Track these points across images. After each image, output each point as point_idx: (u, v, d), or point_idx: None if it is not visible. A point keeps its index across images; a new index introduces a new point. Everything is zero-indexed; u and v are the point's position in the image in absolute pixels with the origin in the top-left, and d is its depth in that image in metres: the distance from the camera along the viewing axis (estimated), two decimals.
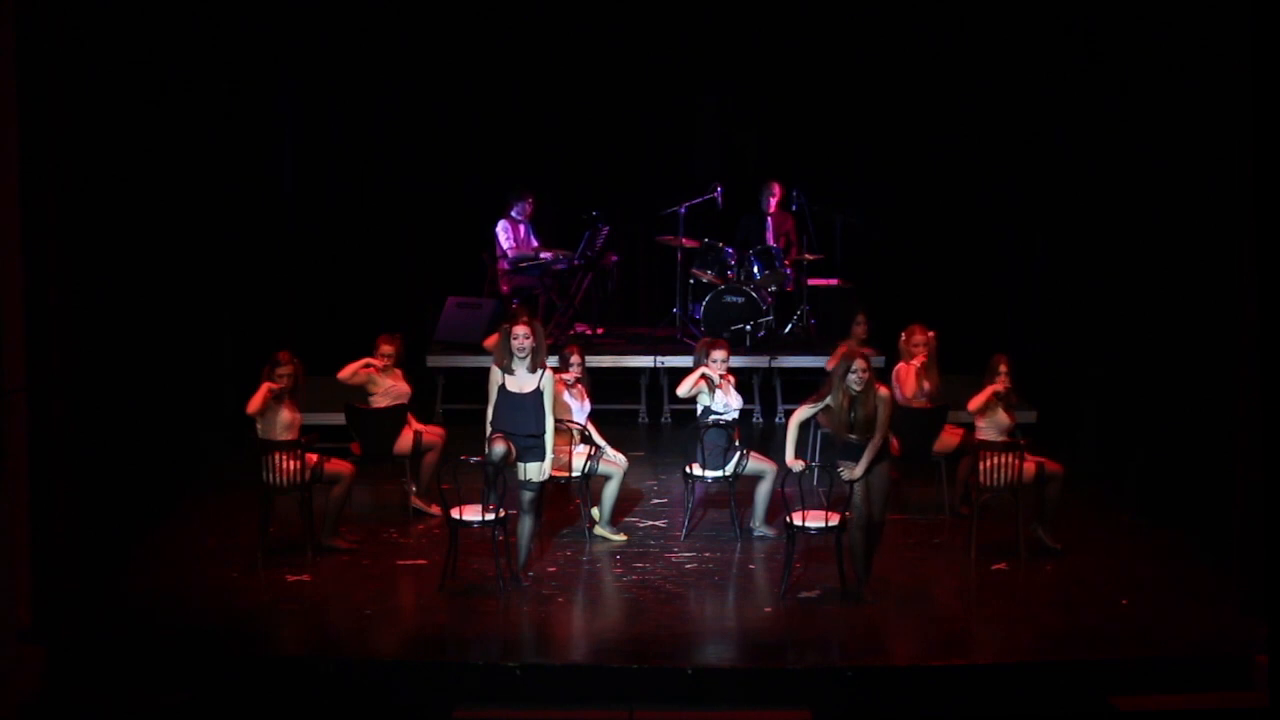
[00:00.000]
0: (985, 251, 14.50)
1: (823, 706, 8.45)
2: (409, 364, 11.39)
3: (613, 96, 15.29)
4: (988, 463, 10.10)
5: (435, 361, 13.92)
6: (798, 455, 9.57)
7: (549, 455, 9.67)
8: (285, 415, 10.12)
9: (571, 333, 14.37)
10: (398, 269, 15.10)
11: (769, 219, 14.78)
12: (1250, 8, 9.04)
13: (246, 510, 10.62)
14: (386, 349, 10.97)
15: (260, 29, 13.44)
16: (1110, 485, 11.80)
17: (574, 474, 10.51)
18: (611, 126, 15.37)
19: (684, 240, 14.39)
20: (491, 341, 9.94)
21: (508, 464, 9.59)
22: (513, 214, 14.53)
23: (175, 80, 11.91)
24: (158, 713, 8.55)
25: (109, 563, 9.92)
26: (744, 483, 10.68)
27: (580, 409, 10.71)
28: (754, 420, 13.89)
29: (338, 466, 10.37)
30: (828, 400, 9.38)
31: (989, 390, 10.21)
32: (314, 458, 10.22)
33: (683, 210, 14.41)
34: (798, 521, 9.62)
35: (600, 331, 14.66)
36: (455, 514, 9.67)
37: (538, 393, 9.61)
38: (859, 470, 9.34)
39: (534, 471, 9.65)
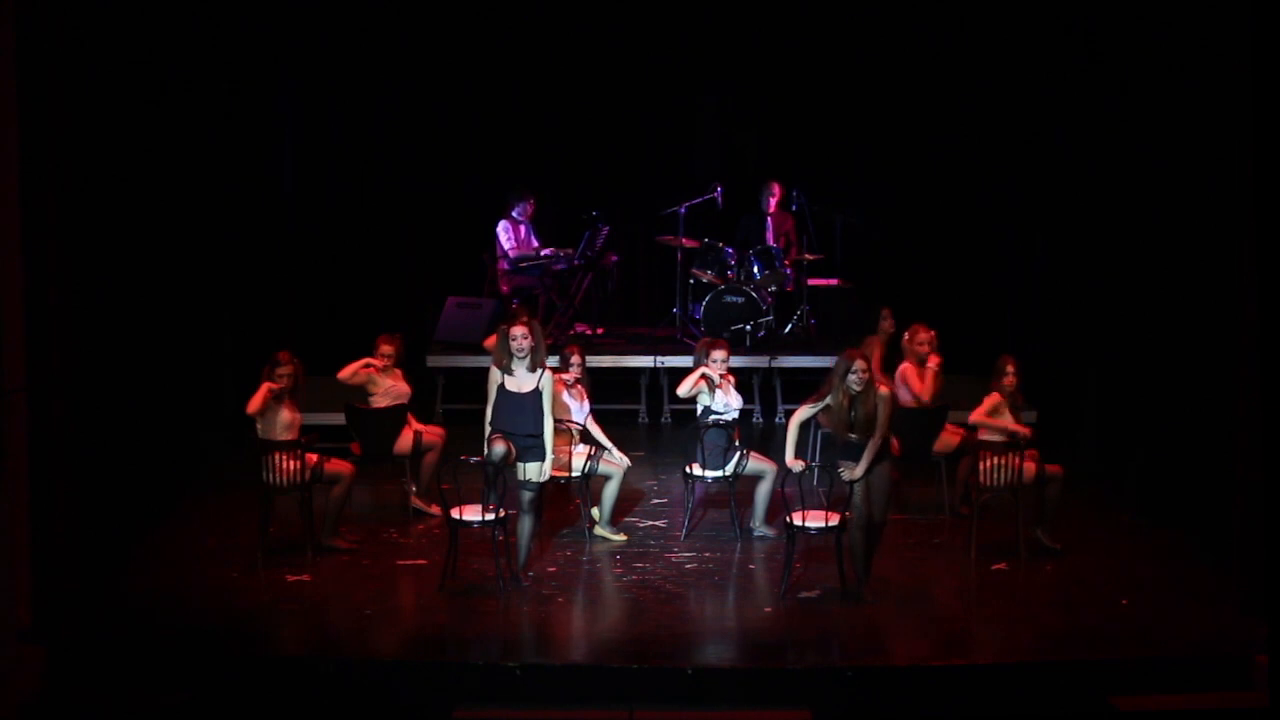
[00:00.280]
0: (985, 251, 14.50)
1: (823, 706, 8.45)
2: (409, 364, 11.40)
3: (613, 96, 15.29)
4: (988, 463, 10.10)
5: (435, 361, 13.92)
6: (798, 455, 9.57)
7: (549, 455, 9.67)
8: (285, 415, 10.12)
9: (571, 333, 14.37)
10: (398, 269, 15.11)
11: (769, 219, 14.79)
12: (1250, 8, 9.04)
13: (246, 510, 10.62)
14: (386, 349, 10.97)
15: (260, 29, 13.44)
16: (1110, 485, 11.80)
17: (574, 474, 10.51)
18: (611, 126, 15.37)
19: (684, 240, 14.39)
20: (491, 342, 9.94)
21: (507, 464, 9.59)
22: (514, 214, 14.54)
23: (175, 80, 11.91)
24: (158, 713, 8.55)
25: (109, 563, 9.92)
26: (744, 483, 10.68)
27: (580, 409, 10.71)
28: (754, 420, 13.89)
29: (338, 466, 10.37)
30: (828, 400, 9.38)
31: (988, 403, 10.19)
32: (314, 458, 10.22)
33: (683, 210, 14.41)
34: (798, 521, 9.62)
35: (600, 331, 14.66)
36: (455, 514, 9.68)
37: (537, 393, 9.61)
38: (859, 470, 9.34)
39: (533, 471, 9.65)
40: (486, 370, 9.81)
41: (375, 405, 11.00)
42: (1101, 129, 12.28)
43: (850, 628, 9.15)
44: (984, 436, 10.28)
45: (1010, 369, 10.27)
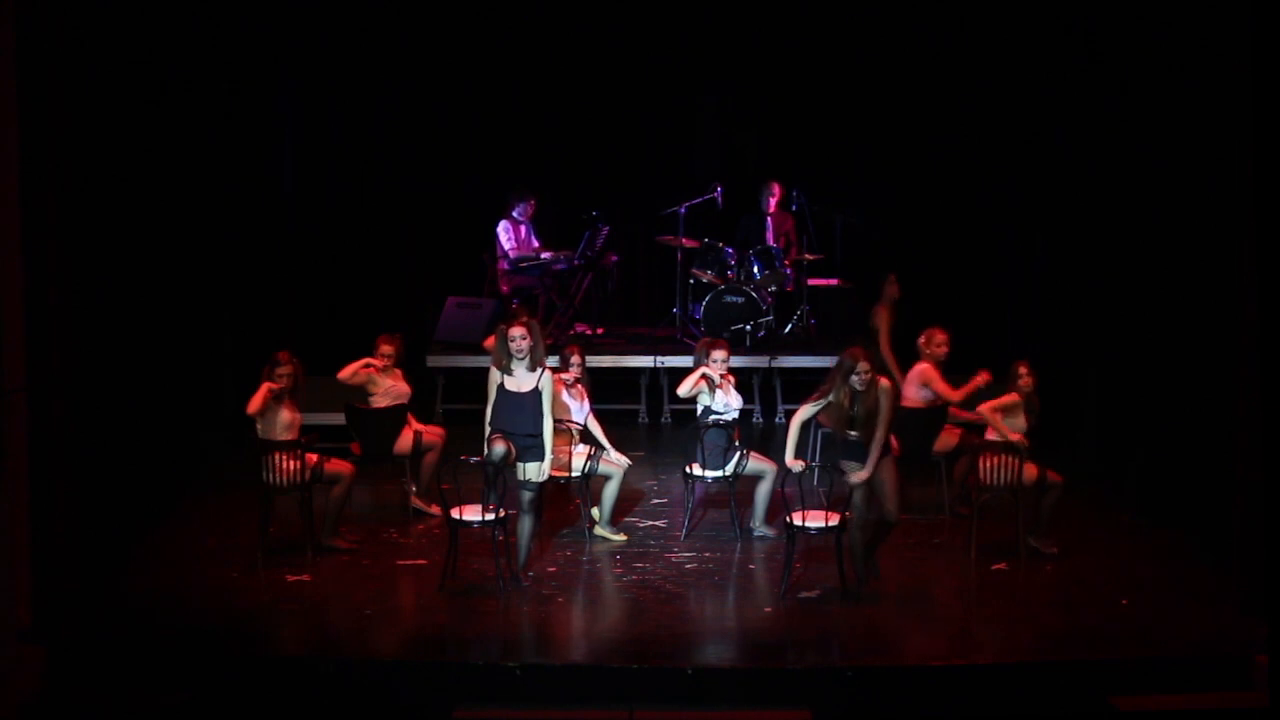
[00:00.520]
0: (985, 251, 14.50)
1: (823, 706, 8.45)
2: (409, 364, 11.40)
3: (613, 96, 15.29)
4: (989, 462, 10.09)
5: (435, 361, 13.92)
6: (798, 455, 9.56)
7: (548, 455, 9.67)
8: (285, 415, 10.12)
9: (571, 333, 14.37)
10: (398, 269, 15.10)
11: (769, 219, 14.79)
12: (1250, 8, 9.04)
13: (246, 510, 10.62)
14: (386, 349, 10.97)
15: (260, 29, 13.43)
16: (1110, 485, 11.80)
17: (574, 474, 10.51)
18: (611, 126, 15.38)
19: (684, 240, 14.40)
20: (491, 342, 9.94)
21: (507, 464, 9.59)
22: (514, 214, 14.53)
23: (175, 80, 11.91)
24: (158, 713, 8.55)
25: (109, 563, 9.92)
26: (744, 483, 10.68)
27: (580, 409, 10.71)
28: (754, 420, 13.89)
29: (338, 466, 10.37)
30: (830, 398, 9.36)
31: (1004, 400, 10.16)
32: (314, 458, 10.22)
33: (683, 210, 14.42)
34: (798, 521, 9.62)
35: (600, 331, 14.66)
36: (455, 514, 9.67)
37: (536, 392, 9.61)
38: (866, 472, 9.33)
39: (533, 471, 9.65)
40: (486, 370, 9.81)
41: (375, 405, 11.00)
42: (1101, 129, 12.27)
43: (850, 628, 9.15)
44: (989, 435, 10.23)
45: (1023, 371, 10.22)
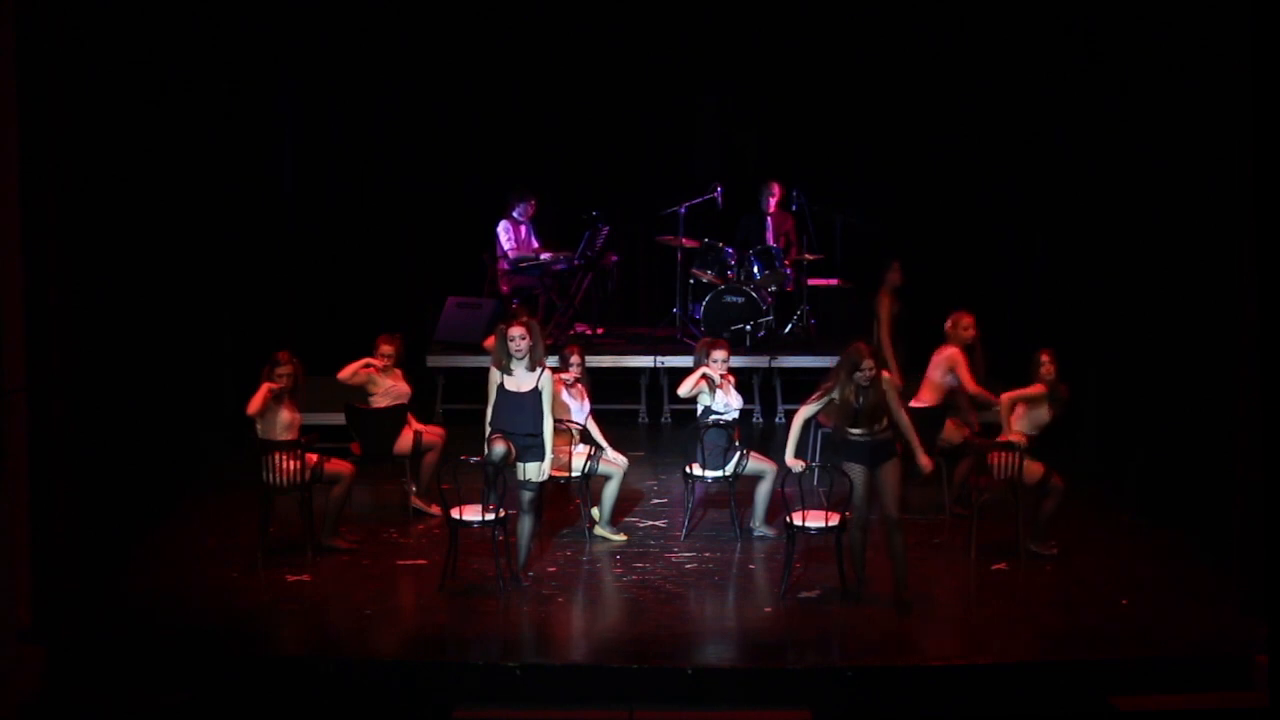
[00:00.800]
0: (985, 251, 14.50)
1: (823, 706, 8.45)
2: (409, 364, 11.40)
3: (613, 96, 15.29)
4: (1000, 460, 10.05)
5: (435, 361, 13.92)
6: (798, 455, 9.56)
7: (548, 455, 9.67)
8: (285, 415, 10.12)
9: (571, 333, 14.37)
10: (398, 269, 15.10)
11: (769, 219, 14.79)
12: (1250, 8, 9.04)
13: (246, 510, 10.62)
14: (386, 349, 10.97)
15: (260, 29, 13.44)
16: (1110, 485, 11.80)
17: (574, 474, 10.51)
18: (611, 126, 15.38)
19: (684, 240, 14.40)
20: (491, 342, 9.94)
21: (508, 464, 9.59)
22: (514, 214, 14.53)
23: (175, 80, 11.91)
24: (158, 713, 8.55)
25: (109, 563, 9.92)
26: (744, 483, 10.68)
27: (580, 409, 10.70)
28: (754, 420, 13.89)
29: (338, 466, 10.37)
30: (833, 395, 9.32)
31: (1030, 390, 10.11)
32: (314, 458, 10.22)
33: (683, 210, 14.42)
34: (798, 521, 9.62)
35: (600, 331, 14.66)
36: (455, 514, 9.68)
37: (536, 392, 9.61)
38: (925, 459, 9.34)
39: (533, 471, 9.65)
40: (486, 370, 9.82)
41: (375, 405, 11.00)
42: (1101, 129, 12.28)
43: (850, 628, 9.15)
44: (1017, 428, 10.13)
45: (1045, 359, 10.12)
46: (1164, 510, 10.97)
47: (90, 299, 9.88)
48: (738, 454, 10.52)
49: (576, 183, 15.30)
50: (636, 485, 11.74)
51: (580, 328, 14.63)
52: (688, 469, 10.71)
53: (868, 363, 9.22)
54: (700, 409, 10.59)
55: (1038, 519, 10.19)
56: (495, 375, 9.69)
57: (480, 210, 14.76)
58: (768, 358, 13.93)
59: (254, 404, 9.98)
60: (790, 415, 13.80)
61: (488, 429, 9.68)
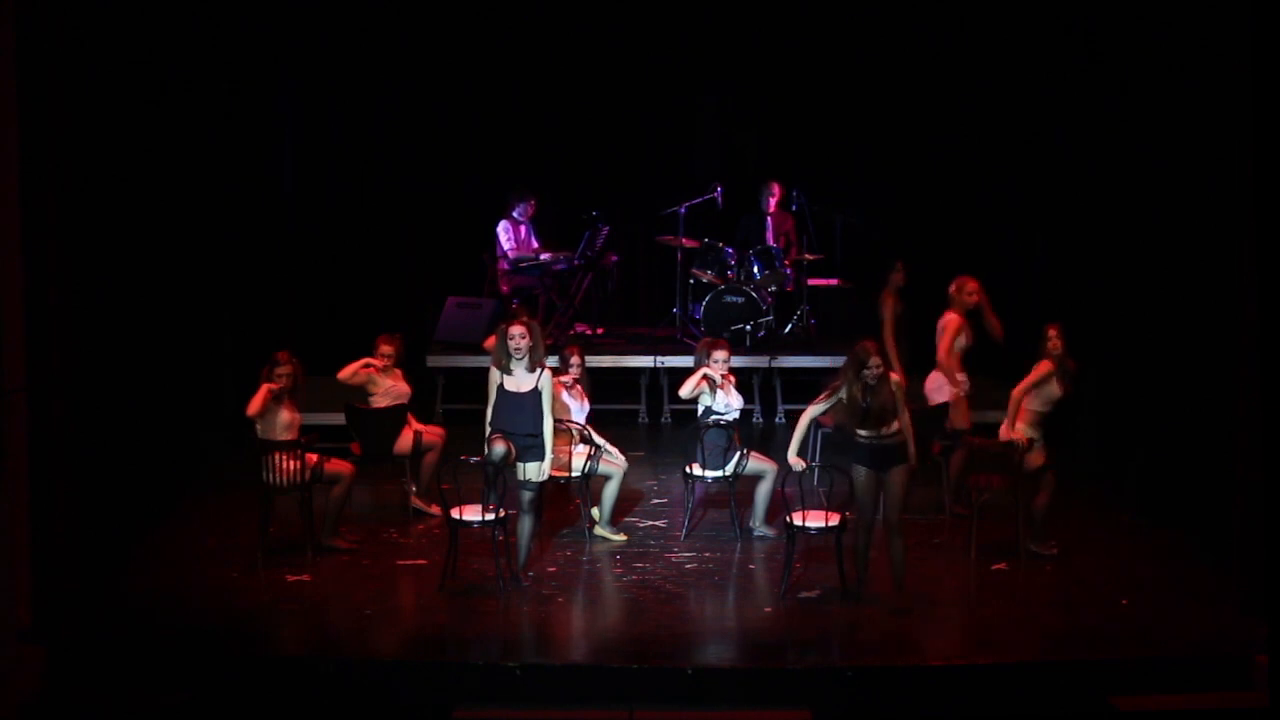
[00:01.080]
0: (985, 251, 14.49)
1: (823, 706, 8.45)
2: (409, 364, 11.39)
3: (613, 96, 15.29)
4: (984, 481, 10.10)
5: (435, 361, 13.92)
6: (800, 455, 9.54)
7: (548, 455, 9.67)
8: (285, 415, 10.12)
9: (571, 333, 14.37)
10: (398, 269, 15.11)
11: (769, 219, 14.79)
12: (1250, 8, 9.04)
13: (246, 510, 10.62)
14: (386, 349, 10.97)
15: (260, 29, 13.44)
16: (1110, 485, 11.80)
17: (574, 474, 10.51)
18: (611, 126, 15.38)
19: (684, 240, 14.40)
20: (492, 342, 9.94)
21: (508, 464, 9.58)
22: (514, 214, 14.53)
23: (175, 80, 11.91)
24: (158, 713, 8.55)
25: (109, 563, 9.92)
26: (744, 483, 10.67)
27: (580, 409, 10.70)
28: (754, 420, 13.89)
29: (338, 466, 10.37)
30: (840, 394, 9.30)
31: (1037, 373, 10.07)
32: (314, 458, 10.22)
33: (683, 210, 14.42)
34: (798, 521, 9.62)
35: (600, 331, 14.66)
36: (455, 514, 9.67)
37: (536, 392, 9.61)
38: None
39: (533, 471, 9.65)
40: (486, 370, 9.81)
41: (375, 405, 11.00)
42: (1101, 129, 12.27)
43: (850, 628, 9.15)
44: (1029, 407, 10.11)
45: (1053, 334, 10.08)
46: (1164, 510, 10.97)
47: (90, 299, 9.88)
48: (738, 454, 10.52)
49: (576, 183, 15.30)
50: (636, 485, 11.74)
51: (580, 328, 14.63)
52: (688, 469, 10.70)
53: (874, 360, 9.19)
54: (701, 409, 10.59)
55: (1033, 515, 10.16)
56: (495, 375, 9.69)
57: (480, 210, 14.76)
58: (768, 358, 13.93)
59: (254, 405, 9.97)
60: (790, 415, 13.93)
61: (488, 429, 9.68)
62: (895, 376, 9.38)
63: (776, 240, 14.65)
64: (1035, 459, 10.07)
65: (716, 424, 10.50)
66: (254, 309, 13.65)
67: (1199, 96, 10.45)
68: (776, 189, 14.77)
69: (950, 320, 11.08)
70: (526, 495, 9.71)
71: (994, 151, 14.29)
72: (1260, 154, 8.98)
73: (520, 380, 9.64)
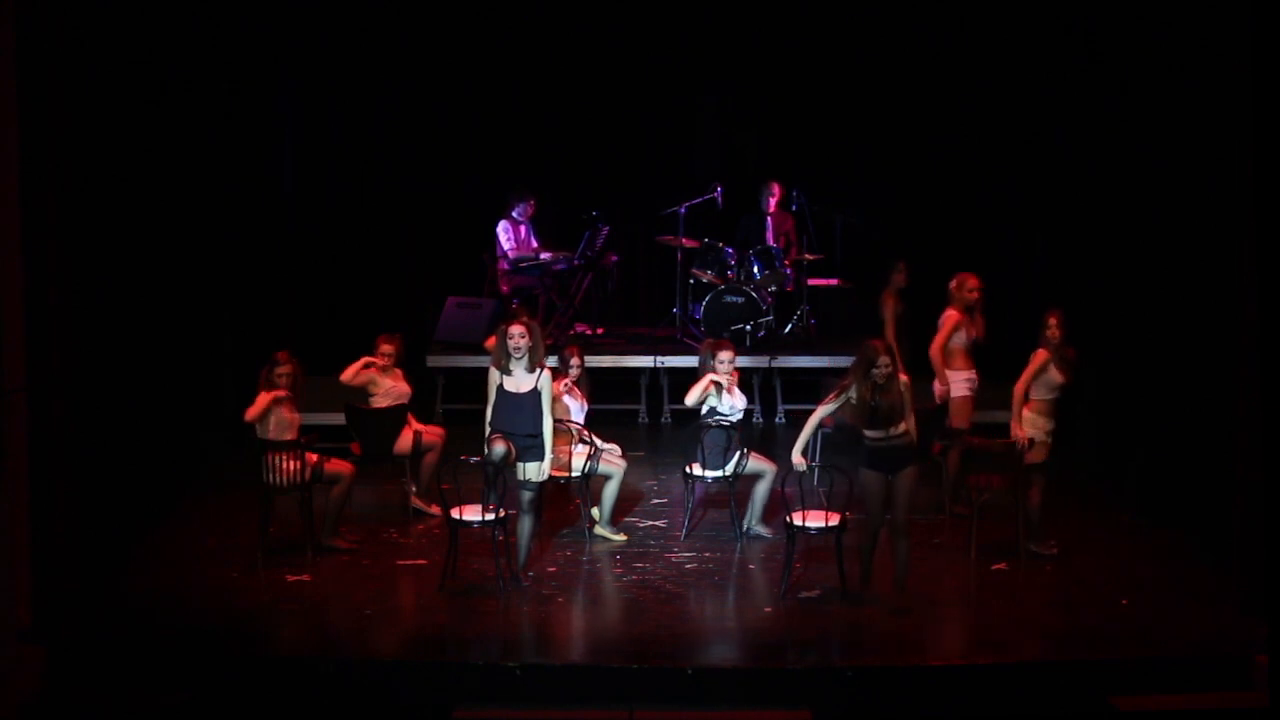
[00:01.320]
0: (985, 251, 14.49)
1: (823, 706, 8.45)
2: (409, 364, 11.39)
3: (613, 96, 15.29)
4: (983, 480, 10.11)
5: (435, 361, 13.92)
6: (803, 454, 9.52)
7: (548, 455, 9.67)
8: (285, 415, 10.12)
9: (571, 333, 14.37)
10: (398, 269, 15.10)
11: (769, 219, 14.79)
12: (1250, 8, 9.04)
13: (246, 510, 10.62)
14: (386, 348, 10.98)
15: (260, 29, 13.44)
16: (1110, 485, 11.80)
17: (574, 474, 10.51)
18: (611, 126, 15.37)
19: (684, 240, 14.40)
20: (493, 342, 9.94)
21: (508, 464, 9.58)
22: (514, 214, 14.53)
23: (175, 80, 11.91)
24: (158, 713, 8.55)
25: (109, 563, 9.92)
26: (744, 483, 10.67)
27: (580, 409, 10.70)
28: (754, 420, 13.88)
29: (338, 466, 10.37)
30: (849, 393, 9.27)
31: (1033, 364, 10.06)
32: (314, 458, 10.22)
33: (683, 210, 14.42)
34: (798, 521, 9.62)
35: (600, 331, 14.66)
36: (455, 514, 9.67)
37: (535, 392, 9.60)
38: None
39: (533, 471, 9.65)
40: (486, 370, 9.81)
41: (375, 405, 10.99)
42: (1101, 129, 12.27)
43: (850, 628, 9.14)
44: (1033, 395, 10.12)
45: (1053, 322, 10.07)
46: (1164, 510, 10.97)
47: (90, 299, 9.88)
48: (738, 454, 10.51)
49: (576, 183, 15.30)
50: (636, 485, 11.74)
51: (580, 328, 14.63)
52: (688, 469, 10.70)
53: (883, 359, 9.15)
54: (705, 409, 10.56)
55: (1029, 517, 10.14)
56: (495, 375, 9.69)
57: (480, 210, 14.76)
58: (768, 358, 13.93)
59: (253, 411, 9.98)
60: (790, 415, 13.93)
61: (488, 429, 9.68)
62: (903, 377, 9.35)
63: (776, 240, 14.65)
64: (1033, 456, 10.06)
65: (718, 424, 10.48)
66: (254, 309, 13.64)
67: (1199, 96, 10.45)
68: (776, 189, 14.77)
69: (948, 317, 11.10)
70: (526, 495, 9.71)
71: (994, 151, 14.29)
72: (1260, 154, 8.98)
73: (520, 380, 9.64)
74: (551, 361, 10.20)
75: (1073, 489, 11.36)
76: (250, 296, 13.67)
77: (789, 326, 14.52)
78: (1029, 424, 10.06)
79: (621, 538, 10.64)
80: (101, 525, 9.91)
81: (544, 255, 14.44)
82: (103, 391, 10.14)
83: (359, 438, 11.01)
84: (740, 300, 14.11)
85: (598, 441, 10.61)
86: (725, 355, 10.54)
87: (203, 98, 12.59)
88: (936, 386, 11.09)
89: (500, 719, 8.50)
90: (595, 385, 11.44)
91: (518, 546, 9.83)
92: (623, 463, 10.67)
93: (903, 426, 9.23)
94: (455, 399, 13.72)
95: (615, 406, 13.72)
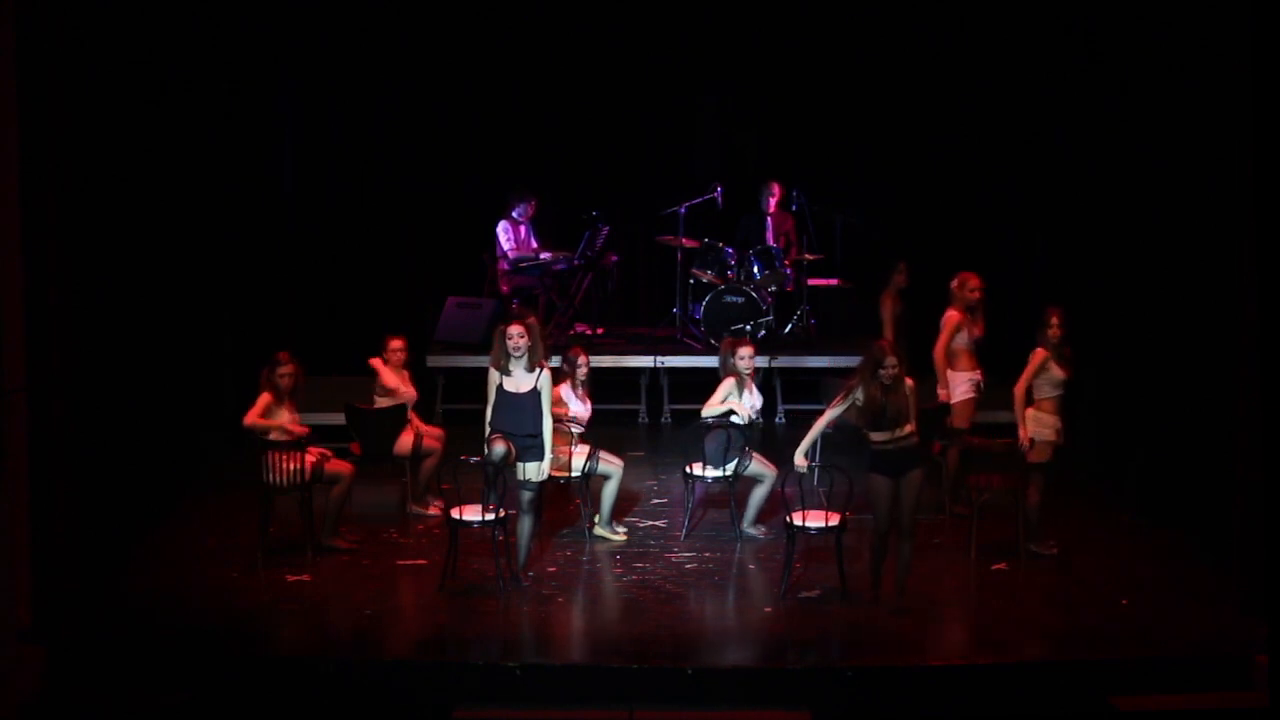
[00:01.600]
0: (985, 251, 14.49)
1: (823, 706, 8.45)
2: (409, 364, 11.38)
3: (613, 96, 15.29)
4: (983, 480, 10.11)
5: (435, 361, 13.92)
6: (806, 456, 9.51)
7: (548, 455, 9.67)
8: (285, 416, 10.12)
9: (571, 333, 14.37)
10: (398, 269, 15.10)
11: (769, 219, 14.79)
12: (1250, 8, 9.04)
13: (246, 510, 10.62)
14: (395, 345, 11.03)
15: (260, 29, 13.44)
16: (1110, 485, 11.79)
17: (574, 474, 10.51)
18: (611, 126, 15.37)
19: (684, 240, 14.40)
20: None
21: (507, 464, 9.58)
22: (514, 214, 14.53)
23: (175, 80, 11.91)
24: (158, 713, 8.55)
25: (109, 563, 9.92)
26: (744, 483, 10.67)
27: (584, 410, 10.65)
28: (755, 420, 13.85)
29: (338, 466, 10.37)
30: (856, 395, 9.24)
31: (1033, 363, 10.06)
32: (314, 458, 10.22)
33: (683, 210, 14.42)
34: (798, 521, 9.61)
35: (600, 331, 14.66)
36: (455, 514, 9.67)
37: (535, 392, 9.60)
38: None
39: (533, 471, 9.65)
40: (486, 370, 9.81)
41: (377, 405, 11.00)
42: (1101, 129, 12.27)
43: (850, 628, 9.14)
44: (1035, 394, 10.11)
45: (1055, 320, 10.06)
46: (1164, 510, 10.97)
47: (90, 299, 9.88)
48: (740, 455, 10.48)
49: (576, 183, 15.30)
50: (636, 485, 11.73)
51: (580, 328, 14.63)
52: (688, 469, 10.70)
53: (890, 360, 9.13)
54: (725, 408, 10.51)
55: (1027, 513, 10.13)
56: (494, 376, 9.69)
57: (480, 210, 14.76)
58: (768, 358, 13.92)
59: (251, 415, 9.99)
60: (790, 415, 13.93)
61: (487, 429, 9.68)
62: (911, 382, 9.33)
63: (776, 240, 14.64)
64: (1034, 456, 10.06)
65: (718, 425, 10.46)
66: (254, 309, 13.64)
67: (1199, 96, 10.45)
68: (776, 189, 14.77)
69: (949, 317, 11.09)
70: (526, 495, 9.71)
71: (994, 151, 14.29)
72: (1260, 154, 8.98)
73: (519, 380, 9.64)
74: (554, 362, 10.18)
75: (1073, 489, 11.35)
76: (250, 296, 13.67)
77: (789, 326, 14.52)
78: (1036, 423, 10.06)
79: (620, 537, 10.63)
80: (101, 525, 9.91)
81: (544, 255, 14.44)
82: (103, 391, 10.14)
83: (359, 438, 11.01)
84: (740, 300, 14.11)
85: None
86: (745, 352, 10.55)
87: (203, 98, 12.59)
88: (940, 390, 11.08)
89: (500, 719, 8.50)
90: (595, 385, 11.42)
91: (518, 546, 9.83)
92: (620, 462, 10.66)
93: (908, 429, 9.22)
94: (455, 399, 13.71)
95: (615, 406, 13.71)
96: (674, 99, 15.51)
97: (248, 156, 13.68)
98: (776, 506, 10.24)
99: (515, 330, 9.60)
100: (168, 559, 10.27)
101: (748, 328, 14.07)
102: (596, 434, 10.63)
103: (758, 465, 10.56)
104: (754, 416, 10.70)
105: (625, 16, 14.76)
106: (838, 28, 14.76)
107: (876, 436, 9.20)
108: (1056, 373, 10.07)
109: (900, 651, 8.88)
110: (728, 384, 10.51)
